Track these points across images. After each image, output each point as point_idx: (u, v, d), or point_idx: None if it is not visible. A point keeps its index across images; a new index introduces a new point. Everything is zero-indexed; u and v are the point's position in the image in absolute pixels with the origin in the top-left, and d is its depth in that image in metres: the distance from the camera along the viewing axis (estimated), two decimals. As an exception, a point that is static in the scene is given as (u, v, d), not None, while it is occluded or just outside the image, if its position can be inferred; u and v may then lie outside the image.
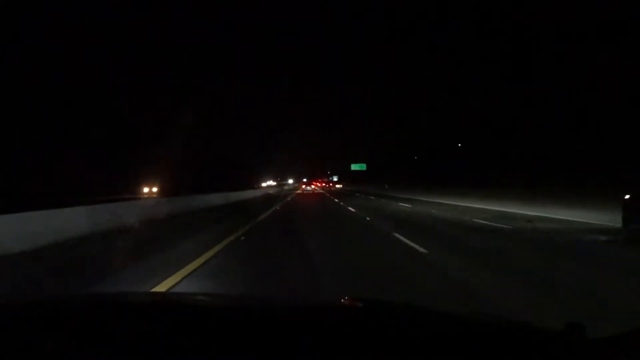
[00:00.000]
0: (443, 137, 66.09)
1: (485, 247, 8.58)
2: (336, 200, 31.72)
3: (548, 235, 10.12)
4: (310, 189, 70.28)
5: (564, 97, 36.71)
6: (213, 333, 1.07)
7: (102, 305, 1.44)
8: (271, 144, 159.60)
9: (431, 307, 1.42)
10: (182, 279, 5.62)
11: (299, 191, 62.30)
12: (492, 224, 12.75)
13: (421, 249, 7.81)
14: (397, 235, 9.88)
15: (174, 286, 5.25)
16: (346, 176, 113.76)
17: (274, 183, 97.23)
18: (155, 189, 33.87)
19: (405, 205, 23.78)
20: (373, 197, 36.24)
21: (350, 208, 21.10)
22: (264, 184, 79.73)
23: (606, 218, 11.96)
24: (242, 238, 9.72)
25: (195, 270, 6.17)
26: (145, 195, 30.13)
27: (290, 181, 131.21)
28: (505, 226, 12.00)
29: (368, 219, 15.08)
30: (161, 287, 5.14)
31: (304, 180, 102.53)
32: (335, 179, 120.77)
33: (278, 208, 21.87)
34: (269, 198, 36.02)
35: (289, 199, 34.46)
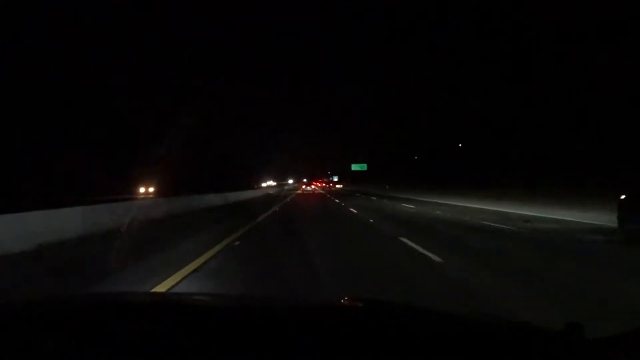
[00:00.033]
0: (443, 137, 66.10)
1: (501, 253, 7.75)
2: (337, 200, 31.50)
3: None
4: (310, 189, 70.30)
5: (564, 97, 36.71)
6: (213, 333, 1.07)
7: (102, 305, 1.44)
8: (271, 144, 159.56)
9: (431, 307, 1.42)
10: (182, 279, 5.63)
11: (299, 191, 62.31)
12: (503, 226, 12.42)
13: (435, 257, 7.02)
14: (404, 240, 9.10)
15: (173, 286, 5.25)
16: (346, 176, 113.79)
17: (274, 183, 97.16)
18: (151, 189, 33.84)
19: (409, 206, 23.32)
20: (374, 198, 36.00)
21: (351, 209, 20.68)
22: (264, 184, 79.66)
23: (606, 218, 11.96)
24: (237, 243, 9.11)
25: (195, 270, 6.18)
26: (142, 196, 30.10)
27: (291, 181, 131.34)
28: (517, 229, 11.42)
29: (371, 220, 14.70)
30: (161, 287, 5.15)
31: (304, 180, 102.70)
32: (335, 179, 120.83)
33: (277, 209, 21.83)
34: (268, 199, 36.00)
35: (288, 199, 34.43)
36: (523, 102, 43.38)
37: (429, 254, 7.29)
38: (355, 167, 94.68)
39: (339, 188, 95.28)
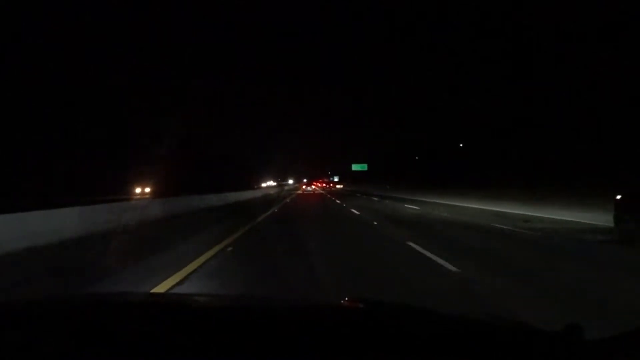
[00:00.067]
0: (443, 137, 66.15)
1: (527, 263, 6.87)
2: (338, 201, 31.07)
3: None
4: (310, 189, 70.22)
5: (564, 97, 36.76)
6: (213, 333, 1.07)
7: (102, 305, 1.44)
8: (271, 144, 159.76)
9: (431, 307, 1.42)
10: (183, 279, 5.63)
11: (299, 192, 62.26)
12: (520, 230, 11.54)
13: (450, 266, 6.32)
14: (412, 244, 8.43)
15: (174, 286, 5.25)
16: (347, 176, 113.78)
17: (274, 183, 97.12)
18: (150, 189, 33.84)
19: (412, 207, 22.61)
20: (376, 198, 35.36)
21: (353, 210, 20.20)
22: (264, 185, 79.63)
23: (606, 218, 11.95)
24: (229, 248, 8.38)
25: (195, 270, 6.17)
26: (138, 196, 30.08)
27: (291, 181, 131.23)
28: (530, 232, 10.70)
29: (375, 223, 13.91)
30: (161, 288, 5.15)
31: (304, 180, 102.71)
32: (336, 179, 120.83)
33: (276, 210, 21.78)
34: (268, 199, 35.96)
35: (288, 200, 34.34)
36: (523, 102, 43.45)
37: (450, 266, 6.35)
38: (355, 167, 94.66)
39: (340, 188, 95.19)
